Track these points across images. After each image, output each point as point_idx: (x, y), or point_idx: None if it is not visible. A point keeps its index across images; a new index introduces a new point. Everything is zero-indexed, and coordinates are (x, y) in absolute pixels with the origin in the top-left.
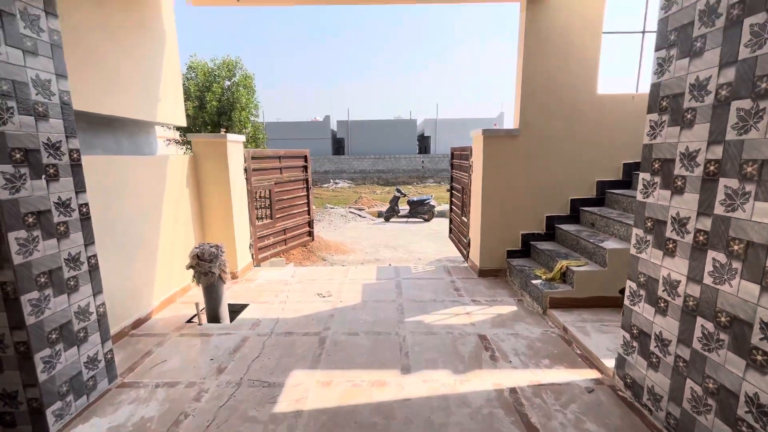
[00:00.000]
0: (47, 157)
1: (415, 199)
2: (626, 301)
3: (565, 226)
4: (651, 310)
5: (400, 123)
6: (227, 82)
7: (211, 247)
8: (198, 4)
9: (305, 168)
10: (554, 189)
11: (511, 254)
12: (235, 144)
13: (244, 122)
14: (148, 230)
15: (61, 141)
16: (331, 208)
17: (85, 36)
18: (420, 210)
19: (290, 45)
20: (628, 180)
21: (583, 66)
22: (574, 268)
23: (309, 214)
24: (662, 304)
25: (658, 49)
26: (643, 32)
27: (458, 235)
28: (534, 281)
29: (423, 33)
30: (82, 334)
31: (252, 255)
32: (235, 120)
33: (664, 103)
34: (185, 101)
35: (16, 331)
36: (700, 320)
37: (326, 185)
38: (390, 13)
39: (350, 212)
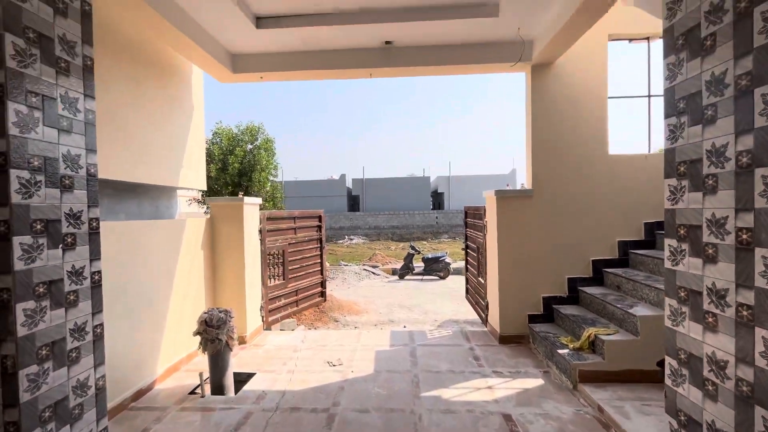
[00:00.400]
0: (67, 226)
1: (430, 256)
2: (668, 381)
3: (588, 289)
4: (698, 394)
5: (414, 180)
6: (249, 146)
7: (220, 312)
8: (227, 82)
9: (319, 228)
10: (574, 249)
11: (533, 319)
12: (251, 206)
13: (263, 182)
14: (158, 294)
15: (82, 211)
16: (345, 265)
17: (119, 111)
18: (435, 267)
19: (307, 106)
20: (650, 240)
21: (592, 128)
22: (604, 337)
23: (322, 274)
24: (710, 387)
25: (667, 116)
26: (649, 96)
27: (475, 296)
28: (560, 351)
29: (435, 92)
30: (77, 411)
31: (262, 317)
32: (255, 180)
33: (682, 169)
34: (209, 164)
35: (8, 409)
36: (759, 410)
37: (341, 241)
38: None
39: (364, 269)
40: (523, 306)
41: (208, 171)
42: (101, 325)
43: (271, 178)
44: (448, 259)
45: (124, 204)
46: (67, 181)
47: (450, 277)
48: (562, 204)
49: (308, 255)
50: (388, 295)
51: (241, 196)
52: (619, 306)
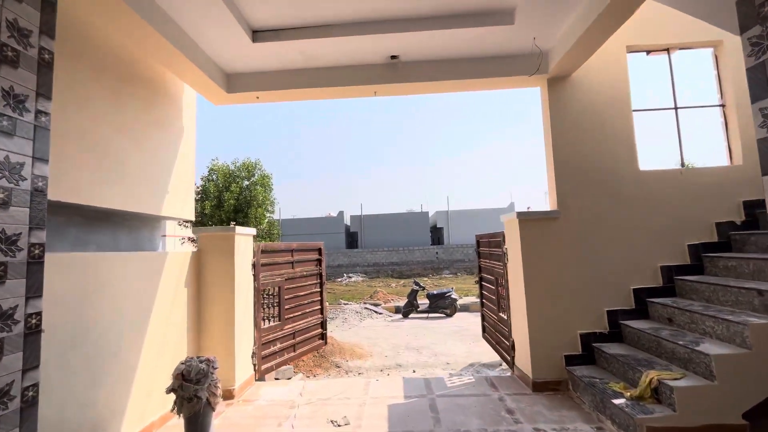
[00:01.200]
0: None
1: (435, 292)
2: None
3: (633, 323)
4: None
5: (413, 216)
6: (246, 182)
7: (201, 362)
8: (221, 104)
9: (319, 262)
10: (611, 278)
11: (571, 361)
12: (244, 237)
13: (260, 219)
14: (128, 341)
15: (20, 234)
16: (345, 303)
17: (96, 129)
18: (441, 304)
19: (306, 143)
20: (697, 264)
21: (618, 143)
22: (671, 383)
23: (322, 313)
24: None
25: (757, 99)
26: (676, 108)
27: (496, 335)
28: (615, 401)
29: (430, 128)
30: None
31: (254, 366)
32: (251, 217)
33: None
34: (204, 201)
35: None
36: None
37: (340, 279)
38: (399, 109)
39: (365, 308)
40: (558, 345)
41: (203, 207)
42: (35, 386)
43: (268, 214)
44: (454, 295)
45: (96, 234)
46: (1, 195)
47: (457, 314)
48: (593, 226)
49: (307, 292)
50: (393, 336)
51: (233, 225)
52: (680, 343)
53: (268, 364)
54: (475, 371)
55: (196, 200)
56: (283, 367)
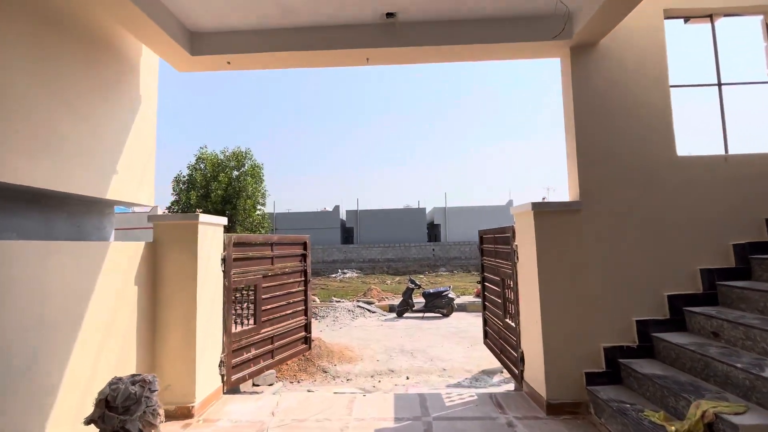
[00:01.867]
0: None
1: (432, 291)
2: None
3: (670, 336)
4: None
5: (409, 212)
6: (235, 172)
7: (134, 383)
8: (185, 70)
9: (303, 257)
10: (642, 281)
11: (593, 379)
12: (211, 227)
13: (249, 211)
14: (47, 352)
15: None
16: (337, 301)
17: (20, 90)
18: (437, 303)
19: (303, 137)
20: (744, 267)
21: (653, 124)
22: (733, 419)
23: (306, 314)
24: None
25: None
26: (719, 84)
27: (500, 343)
28: None
29: (428, 122)
30: None
31: (222, 377)
32: (240, 208)
33: None
34: (190, 190)
35: None
36: None
37: (334, 275)
38: (394, 105)
39: (358, 306)
40: (578, 360)
41: (188, 198)
42: None
43: (260, 207)
44: (451, 294)
45: (20, 219)
46: None
47: (454, 314)
48: (620, 220)
49: (289, 291)
50: (386, 338)
51: (198, 212)
52: (738, 366)
53: (240, 374)
54: (474, 380)
55: (182, 190)
56: (265, 372)
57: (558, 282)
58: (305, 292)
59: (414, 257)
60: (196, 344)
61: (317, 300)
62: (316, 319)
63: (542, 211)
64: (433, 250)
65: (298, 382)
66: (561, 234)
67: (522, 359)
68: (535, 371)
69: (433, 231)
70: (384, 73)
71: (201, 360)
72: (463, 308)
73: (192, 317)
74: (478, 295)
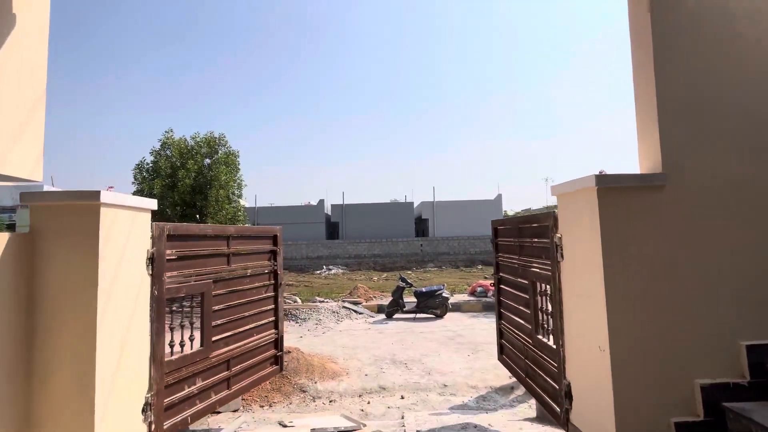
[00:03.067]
0: None
1: (424, 290)
2: None
3: None
4: None
5: (397, 206)
6: (207, 160)
7: None
8: None
9: (274, 255)
10: (756, 290)
11: (684, 430)
12: (127, 213)
13: (222, 203)
14: None
15: None
16: (321, 301)
17: None
18: (430, 304)
19: (287, 129)
20: None
21: None
22: None
23: (277, 327)
24: None
25: None
26: None
27: (525, 364)
28: None
29: (418, 120)
30: None
31: (150, 426)
32: (212, 200)
33: None
34: (155, 179)
35: None
36: None
37: (319, 272)
38: (386, 99)
39: (344, 307)
40: (663, 404)
41: (151, 187)
42: None
43: (236, 198)
44: (446, 293)
45: None
46: None
47: (448, 314)
48: (724, 201)
49: (252, 299)
50: (375, 344)
51: (101, 190)
52: None
53: (177, 418)
54: (481, 399)
55: (145, 179)
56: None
57: (633, 290)
58: (276, 298)
59: (401, 253)
60: (95, 385)
61: (299, 300)
62: (297, 323)
63: (611, 187)
64: (421, 245)
65: (270, 405)
66: (637, 221)
67: (568, 394)
68: (593, 414)
69: (421, 226)
70: (371, 61)
71: (106, 407)
72: (457, 308)
73: (90, 346)
74: (472, 293)
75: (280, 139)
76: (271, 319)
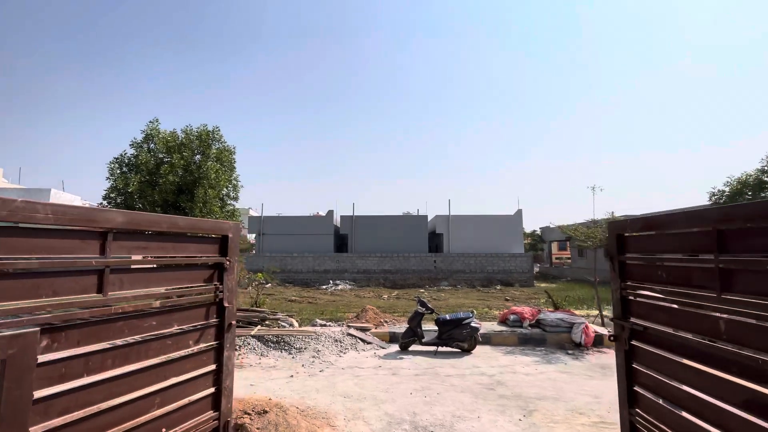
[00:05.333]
0: None
1: (448, 317)
2: None
3: None
4: None
5: (409, 219)
6: (198, 156)
7: None
8: None
9: (220, 272)
10: None
11: None
12: None
13: (210, 204)
14: None
15: None
16: (322, 324)
17: None
18: (456, 335)
19: (296, 139)
20: None
21: None
22: None
23: (218, 383)
24: None
25: None
26: None
27: None
28: None
29: (431, 130)
30: None
31: None
32: (199, 200)
33: None
34: (131, 172)
35: None
36: None
37: (325, 287)
38: (398, 110)
39: (349, 334)
40: None
41: (125, 183)
42: None
43: (232, 202)
44: (475, 323)
45: None
46: None
47: (478, 348)
48: None
49: (166, 361)
50: (388, 393)
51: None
52: None
53: None
54: None
55: (121, 173)
56: None
57: None
58: (220, 351)
59: (413, 269)
60: None
61: (295, 324)
62: (290, 354)
63: None
64: (435, 261)
65: None
66: None
67: None
68: None
69: (435, 241)
70: (388, 73)
71: None
72: (486, 340)
73: None
74: (504, 322)
75: (293, 151)
76: (211, 368)
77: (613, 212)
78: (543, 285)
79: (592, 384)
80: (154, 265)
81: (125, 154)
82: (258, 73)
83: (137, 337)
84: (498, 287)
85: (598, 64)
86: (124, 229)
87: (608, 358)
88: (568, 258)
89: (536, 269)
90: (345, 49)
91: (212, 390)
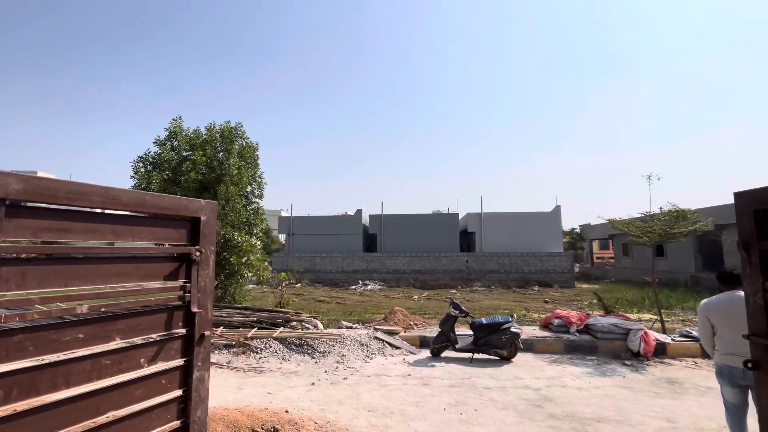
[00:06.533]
0: None
1: (485, 321)
2: None
3: None
4: None
5: (440, 217)
6: (220, 154)
7: None
8: None
9: (187, 265)
10: None
11: None
12: None
13: (233, 201)
14: None
15: None
16: (348, 327)
17: None
18: (494, 341)
19: (325, 137)
20: None
21: None
22: None
23: (185, 416)
24: None
25: None
26: None
27: None
28: None
29: (461, 126)
30: None
31: None
32: (221, 197)
33: None
34: (155, 170)
35: None
36: None
37: (354, 287)
38: (428, 103)
39: (376, 338)
40: None
41: (149, 180)
42: None
43: (256, 200)
44: (515, 328)
45: None
46: None
47: (519, 356)
48: None
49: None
50: (419, 409)
51: None
52: None
53: None
54: None
55: (145, 171)
56: None
57: None
58: (188, 371)
59: (444, 269)
60: None
61: (320, 326)
62: (313, 359)
63: None
64: (467, 261)
65: None
66: None
67: None
68: None
69: (467, 240)
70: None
71: None
72: (528, 347)
73: None
74: (546, 326)
75: (321, 150)
76: (171, 427)
77: (675, 204)
78: (585, 286)
79: (661, 403)
80: (80, 256)
81: (149, 152)
82: (284, 70)
83: (52, 357)
84: (535, 288)
85: (634, 49)
86: (27, 202)
87: (675, 371)
88: (611, 257)
89: (576, 269)
90: (373, 44)
91: (177, 425)
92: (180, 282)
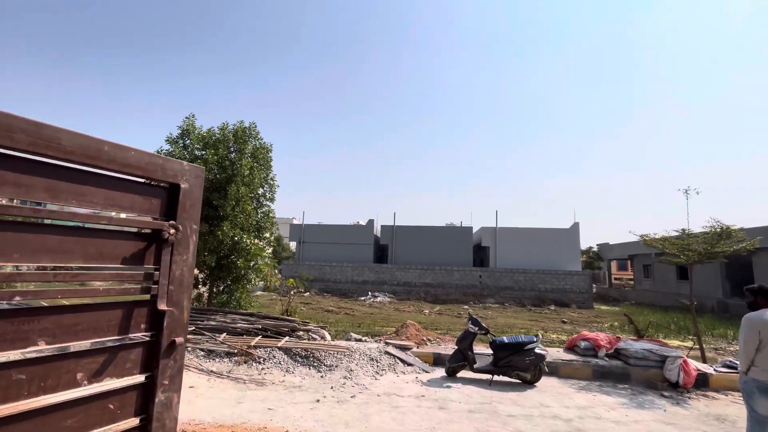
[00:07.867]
0: None
1: (506, 340)
2: None
3: None
4: None
5: (453, 230)
6: (233, 154)
7: None
8: None
9: (158, 242)
10: None
11: None
12: None
13: (243, 203)
14: None
15: None
16: (357, 339)
17: None
18: (516, 363)
19: (338, 147)
20: None
21: None
22: None
23: None
24: None
25: None
26: None
27: None
28: None
29: (475, 139)
30: None
31: None
32: (231, 198)
33: None
34: None
35: None
36: None
37: (363, 298)
38: (440, 117)
39: (386, 352)
40: None
41: None
42: None
43: (267, 203)
44: (539, 349)
45: None
46: None
47: (543, 380)
48: None
49: None
50: None
51: None
52: None
53: None
54: None
55: None
56: None
57: None
58: (150, 392)
59: (457, 283)
60: None
61: (327, 337)
62: (319, 373)
63: None
64: (480, 276)
65: None
66: None
67: None
68: None
69: (480, 254)
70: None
71: None
72: (552, 370)
73: None
74: (571, 349)
75: (335, 159)
76: None
77: (719, 220)
78: (604, 308)
79: None
80: None
81: (162, 149)
82: (298, 81)
83: None
84: (552, 307)
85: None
86: None
87: (723, 406)
88: (630, 279)
89: (593, 290)
90: (387, 56)
91: None
92: (144, 268)
